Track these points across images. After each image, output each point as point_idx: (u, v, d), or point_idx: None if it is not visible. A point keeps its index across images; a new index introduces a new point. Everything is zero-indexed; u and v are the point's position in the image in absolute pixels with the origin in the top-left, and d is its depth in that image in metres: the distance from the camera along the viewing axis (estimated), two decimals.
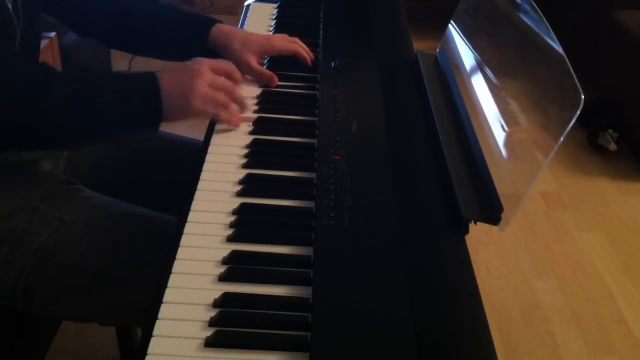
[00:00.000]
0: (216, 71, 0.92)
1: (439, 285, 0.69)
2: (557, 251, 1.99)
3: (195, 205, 0.79)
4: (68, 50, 1.93)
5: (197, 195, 0.81)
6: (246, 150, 0.91)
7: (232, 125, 0.94)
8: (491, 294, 1.79)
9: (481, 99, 0.94)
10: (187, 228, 0.76)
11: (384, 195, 0.80)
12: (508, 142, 0.84)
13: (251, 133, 0.95)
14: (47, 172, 1.01)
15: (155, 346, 0.61)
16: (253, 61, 1.08)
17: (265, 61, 1.13)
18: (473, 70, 1.01)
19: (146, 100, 0.86)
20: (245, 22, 1.33)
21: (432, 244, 0.75)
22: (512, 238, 2.01)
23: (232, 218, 0.77)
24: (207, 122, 0.96)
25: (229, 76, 0.95)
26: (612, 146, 2.41)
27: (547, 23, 0.84)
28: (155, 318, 0.63)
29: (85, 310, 0.94)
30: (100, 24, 1.11)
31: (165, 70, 0.88)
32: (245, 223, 0.77)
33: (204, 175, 0.85)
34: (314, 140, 0.92)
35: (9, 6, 0.87)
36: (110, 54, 2.37)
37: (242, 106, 0.97)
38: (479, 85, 0.96)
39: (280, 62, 1.11)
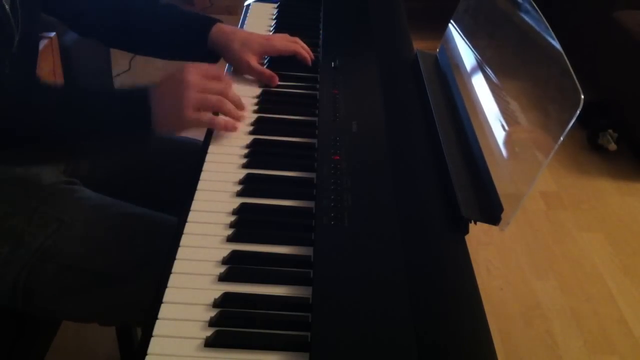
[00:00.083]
0: (205, 76, 0.91)
1: (439, 285, 0.69)
2: (557, 251, 1.98)
3: (195, 205, 0.79)
4: (68, 50, 1.93)
5: (197, 195, 0.81)
6: (246, 150, 0.90)
7: (230, 131, 0.94)
8: (491, 294, 1.79)
9: (481, 99, 0.94)
10: (187, 228, 0.76)
11: (384, 195, 0.80)
12: (508, 142, 0.84)
13: (251, 133, 0.95)
14: (47, 173, 1.01)
15: (155, 346, 0.61)
16: (253, 61, 1.08)
17: (266, 61, 1.13)
18: (473, 70, 1.01)
19: (134, 107, 0.87)
20: (245, 22, 1.32)
21: (432, 244, 0.75)
22: (512, 238, 2.01)
23: (232, 218, 0.77)
24: None
25: (218, 80, 0.94)
26: (612, 146, 2.41)
27: (547, 23, 0.84)
28: (155, 318, 0.63)
29: (85, 310, 0.94)
30: (101, 23, 1.11)
31: (158, 82, 0.89)
32: (245, 223, 0.77)
33: (204, 175, 0.85)
34: (314, 140, 0.92)
35: (7, 7, 0.87)
36: (110, 53, 2.37)
37: (238, 104, 0.97)
38: (479, 85, 0.96)
39: (281, 62, 1.11)
